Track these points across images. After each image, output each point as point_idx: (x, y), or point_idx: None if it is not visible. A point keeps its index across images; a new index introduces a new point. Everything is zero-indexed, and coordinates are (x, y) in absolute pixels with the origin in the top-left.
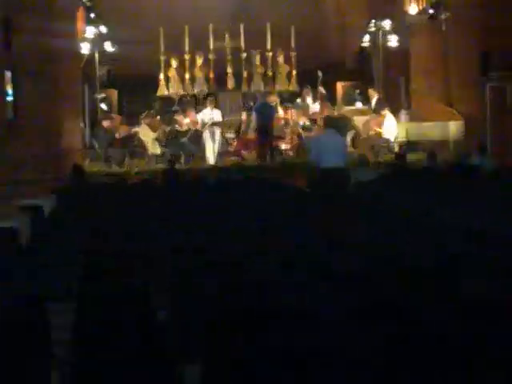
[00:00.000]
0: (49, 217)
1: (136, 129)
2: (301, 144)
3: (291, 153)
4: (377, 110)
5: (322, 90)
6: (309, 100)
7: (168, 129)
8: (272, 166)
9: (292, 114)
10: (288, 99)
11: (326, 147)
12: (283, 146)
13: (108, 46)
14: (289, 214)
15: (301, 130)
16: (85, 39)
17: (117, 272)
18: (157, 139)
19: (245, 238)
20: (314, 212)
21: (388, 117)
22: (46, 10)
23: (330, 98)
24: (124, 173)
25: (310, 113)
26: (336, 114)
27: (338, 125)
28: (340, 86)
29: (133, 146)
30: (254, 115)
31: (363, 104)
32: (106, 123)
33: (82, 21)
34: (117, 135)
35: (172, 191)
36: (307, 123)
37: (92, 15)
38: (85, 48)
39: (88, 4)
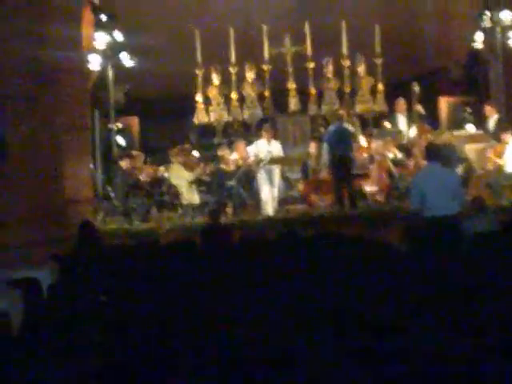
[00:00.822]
0: (48, 294)
1: (165, 169)
2: (392, 184)
3: (379, 197)
4: (496, 135)
5: (419, 108)
6: (402, 123)
7: (209, 168)
8: (354, 215)
9: (378, 143)
10: (373, 123)
11: (433, 187)
12: (368, 188)
13: (125, 59)
14: (381, 289)
15: (391, 165)
16: (94, 50)
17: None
18: (194, 183)
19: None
20: (416, 283)
21: None
22: (39, 11)
23: (430, 120)
24: (151, 231)
25: (404, 141)
26: (439, 140)
27: (446, 155)
28: (444, 103)
29: (161, 193)
30: (325, 146)
31: (477, 127)
32: (124, 163)
33: (89, 25)
34: (140, 179)
35: (217, 255)
36: (399, 156)
37: (103, 17)
38: (94, 62)
39: (97, 2)
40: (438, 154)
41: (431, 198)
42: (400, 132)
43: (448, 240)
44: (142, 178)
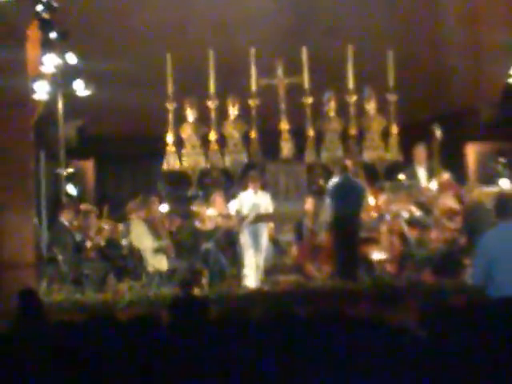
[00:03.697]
0: None
1: (125, 228)
2: (406, 251)
3: (390, 267)
4: None
5: (437, 132)
6: (421, 174)
7: (181, 227)
8: (359, 290)
9: (390, 198)
10: (384, 174)
11: (508, 256)
12: (376, 256)
13: (80, 88)
14: None
15: (406, 227)
16: (41, 76)
17: None
18: (157, 251)
19: None
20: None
21: None
22: None
23: (455, 170)
24: (107, 303)
25: (423, 197)
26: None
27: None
28: (472, 151)
29: (121, 256)
30: (328, 201)
31: None
32: (66, 216)
33: (36, 45)
34: (92, 239)
35: (188, 336)
36: (417, 214)
37: (54, 35)
38: (40, 91)
39: (46, 16)
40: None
41: (504, 271)
42: (418, 185)
43: None
44: (98, 236)
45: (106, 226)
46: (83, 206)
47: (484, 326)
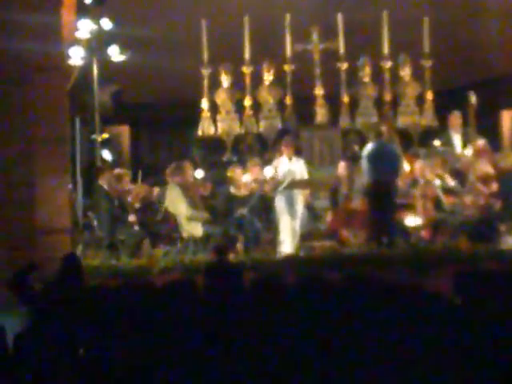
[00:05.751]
0: (14, 345)
1: (160, 193)
2: (440, 218)
3: (425, 233)
4: None
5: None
6: (455, 141)
7: (215, 192)
8: (393, 256)
9: (424, 163)
10: (418, 141)
11: None
12: (411, 222)
13: (115, 53)
14: (426, 352)
15: (440, 193)
16: (76, 41)
17: None
18: (191, 219)
19: None
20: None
21: None
22: None
23: (490, 137)
24: (142, 269)
25: (457, 163)
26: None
27: None
28: (508, 118)
29: (156, 222)
30: (363, 167)
31: None
32: (107, 181)
33: (70, 10)
34: (131, 204)
35: (223, 301)
36: (450, 182)
37: (88, 0)
38: (75, 56)
39: None
40: None
41: None
42: (453, 151)
43: None
44: (133, 202)
45: (143, 189)
46: (117, 170)
47: None
